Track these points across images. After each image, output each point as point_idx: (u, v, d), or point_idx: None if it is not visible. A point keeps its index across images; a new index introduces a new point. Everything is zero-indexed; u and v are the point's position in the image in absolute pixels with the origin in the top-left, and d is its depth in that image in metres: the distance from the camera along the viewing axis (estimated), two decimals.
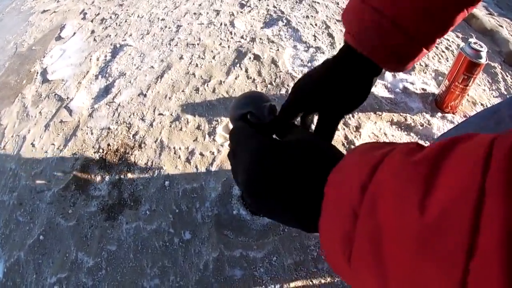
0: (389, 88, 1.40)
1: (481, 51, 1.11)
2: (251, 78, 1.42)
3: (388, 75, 1.43)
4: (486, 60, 1.12)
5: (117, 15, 2.16)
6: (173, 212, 1.11)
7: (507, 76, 1.46)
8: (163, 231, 1.09)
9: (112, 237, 1.11)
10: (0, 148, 1.67)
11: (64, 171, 1.33)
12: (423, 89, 1.37)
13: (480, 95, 1.36)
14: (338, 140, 1.24)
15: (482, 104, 1.35)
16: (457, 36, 1.63)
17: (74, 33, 2.23)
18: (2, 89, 2.18)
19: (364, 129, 1.26)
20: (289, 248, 1.00)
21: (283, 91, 1.36)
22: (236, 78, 1.42)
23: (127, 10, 2.19)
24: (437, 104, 1.32)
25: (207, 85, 1.42)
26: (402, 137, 1.25)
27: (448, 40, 1.62)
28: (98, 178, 1.25)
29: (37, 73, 2.05)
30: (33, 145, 1.54)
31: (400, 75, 1.43)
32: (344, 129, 1.27)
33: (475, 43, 1.12)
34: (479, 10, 1.76)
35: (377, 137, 1.25)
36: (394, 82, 1.42)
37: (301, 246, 1.01)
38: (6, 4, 4.23)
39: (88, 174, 1.26)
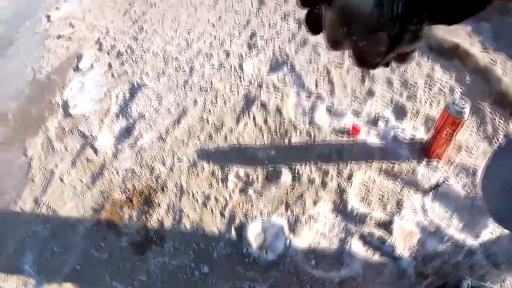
0: (381, 136, 1.59)
1: (464, 108, 1.26)
2: (258, 126, 1.62)
3: (380, 123, 1.62)
4: (469, 115, 1.27)
5: (132, 50, 2.34)
6: (193, 249, 1.32)
7: (495, 117, 1.64)
8: (185, 265, 1.30)
9: (141, 269, 1.32)
10: (28, 179, 1.83)
11: (94, 208, 1.52)
12: (412, 136, 1.56)
13: (467, 138, 1.54)
14: (331, 189, 1.44)
15: (468, 148, 1.50)
16: (451, 77, 1.81)
17: (92, 65, 2.40)
18: (24, 117, 2.34)
19: (355, 177, 1.46)
20: (288, 282, 1.22)
21: (286, 141, 1.56)
22: (245, 126, 1.62)
23: (142, 44, 2.37)
24: (424, 151, 1.50)
25: (220, 132, 1.61)
26: (388, 185, 1.44)
27: (442, 83, 1.81)
28: (126, 216, 1.45)
29: (58, 105, 2.21)
30: (61, 179, 1.72)
31: (392, 122, 1.62)
32: (337, 177, 1.47)
33: (460, 99, 1.28)
34: (474, 46, 1.92)
35: (367, 184, 1.45)
36: (386, 130, 1.61)
37: (297, 280, 1.23)
38: (20, 23, 4.40)
39: (117, 212, 1.46)
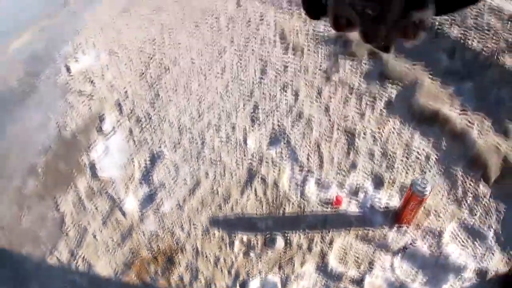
0: (360, 205, 1.98)
1: (425, 188, 1.56)
2: (258, 198, 2.00)
3: (360, 194, 2.01)
4: (430, 192, 1.58)
5: (150, 117, 2.74)
6: None
7: (466, 180, 1.99)
8: None
9: None
10: (62, 232, 2.20)
11: (125, 263, 1.90)
12: (386, 204, 1.93)
13: (437, 203, 1.85)
14: (316, 252, 1.83)
15: (436, 212, 1.81)
16: (428, 144, 2.17)
17: (114, 129, 2.78)
18: (52, 172, 2.68)
19: (336, 243, 1.85)
20: None
21: (281, 211, 1.95)
22: (248, 198, 2.00)
23: (158, 112, 2.77)
24: (396, 218, 1.85)
25: (227, 203, 2.00)
26: (363, 248, 1.83)
27: (419, 151, 2.18)
28: (152, 270, 1.83)
29: (86, 165, 2.56)
30: (94, 236, 2.09)
31: (370, 192, 2.00)
32: (321, 243, 1.86)
33: (422, 180, 1.58)
34: (453, 108, 2.24)
35: (345, 248, 1.84)
36: (365, 200, 1.99)
37: None
38: (39, 68, 4.76)
39: (145, 268, 1.84)
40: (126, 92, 3.15)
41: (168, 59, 3.44)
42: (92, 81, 3.59)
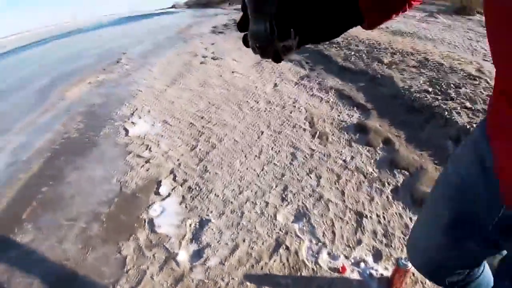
0: (361, 273, 2.54)
1: (407, 264, 2.05)
2: (282, 262, 2.61)
3: (361, 264, 2.62)
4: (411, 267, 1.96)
5: (200, 188, 3.41)
6: None
7: None
8: None
9: None
10: (124, 271, 2.77)
11: None
12: (381, 275, 2.46)
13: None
14: None
15: (422, 281, 2.24)
16: None
17: (169, 194, 3.46)
18: (116, 222, 3.25)
19: None
20: None
21: (299, 274, 2.57)
22: (274, 261, 2.61)
23: (206, 184, 3.44)
24: (389, 285, 2.26)
25: (258, 264, 2.62)
26: None
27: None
28: None
29: (145, 221, 3.16)
30: (152, 278, 2.69)
31: (370, 263, 2.61)
32: None
33: (405, 258, 2.10)
34: None
35: None
36: (365, 269, 2.53)
37: None
38: (97, 124, 5.55)
39: None
40: (179, 164, 3.82)
41: (215, 136, 4.14)
42: (149, 148, 4.25)
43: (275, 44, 0.61)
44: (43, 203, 3.83)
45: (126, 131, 5.13)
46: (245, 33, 0.63)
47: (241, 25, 0.64)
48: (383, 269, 2.37)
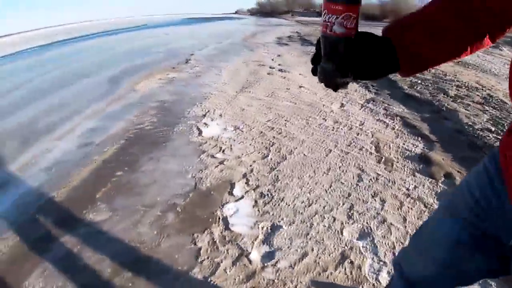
0: None
1: None
2: (346, 274, 2.86)
3: None
4: None
5: (272, 196, 3.68)
6: None
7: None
8: None
9: None
10: (198, 261, 2.97)
11: None
12: None
13: None
14: None
15: None
16: None
17: (243, 196, 3.72)
18: (191, 215, 3.50)
19: None
20: None
21: (360, 286, 2.80)
22: (339, 273, 2.86)
23: (278, 193, 3.70)
24: None
25: (325, 273, 2.84)
26: None
27: None
28: None
29: (219, 218, 3.41)
30: (225, 271, 2.95)
31: None
32: None
33: None
34: None
35: None
36: None
37: None
38: (171, 121, 5.94)
39: None
40: (252, 169, 4.08)
41: (285, 148, 4.40)
42: (222, 150, 4.52)
43: (337, 80, 0.85)
44: (118, 186, 4.15)
45: (200, 131, 5.46)
46: (315, 65, 0.87)
47: (313, 60, 0.87)
48: None
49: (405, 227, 3.17)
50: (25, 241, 3.29)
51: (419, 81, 7.15)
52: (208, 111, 6.28)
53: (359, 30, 0.79)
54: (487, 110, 4.73)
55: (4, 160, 5.34)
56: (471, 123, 4.38)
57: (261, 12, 48.80)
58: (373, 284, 2.64)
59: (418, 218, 3.26)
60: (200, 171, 4.31)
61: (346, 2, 0.73)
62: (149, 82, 8.94)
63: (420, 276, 1.20)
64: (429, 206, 3.39)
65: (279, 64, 8.60)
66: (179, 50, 14.44)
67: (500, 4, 0.75)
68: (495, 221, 0.90)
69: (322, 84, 0.89)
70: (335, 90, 0.90)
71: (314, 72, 0.89)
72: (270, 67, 8.28)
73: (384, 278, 2.67)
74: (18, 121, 7.14)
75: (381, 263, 2.83)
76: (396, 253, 1.65)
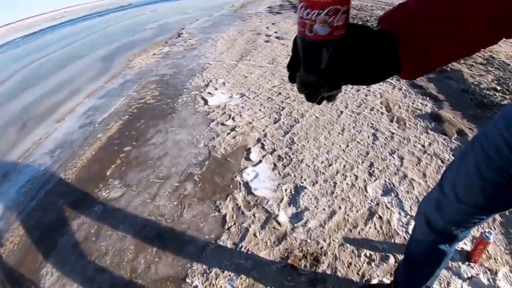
0: None
1: (489, 237, 2.24)
2: (377, 229, 2.85)
3: None
4: (492, 240, 2.24)
5: (290, 158, 3.65)
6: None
7: None
8: None
9: None
10: (225, 229, 2.98)
11: (281, 257, 2.76)
12: (461, 248, 2.61)
13: (496, 252, 2.40)
14: None
15: (495, 259, 2.42)
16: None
17: (260, 160, 3.67)
18: (210, 182, 3.47)
19: None
20: None
21: (391, 240, 2.82)
22: (369, 228, 2.88)
23: (296, 155, 3.66)
24: (467, 257, 2.45)
25: (356, 229, 2.86)
26: (444, 273, 2.55)
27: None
28: (303, 264, 2.69)
29: (240, 183, 3.37)
30: (255, 235, 2.87)
31: None
32: None
33: (488, 232, 2.28)
34: None
35: None
36: None
37: None
38: (173, 93, 5.88)
39: (297, 261, 2.70)
40: (265, 134, 4.04)
41: (296, 112, 4.36)
42: (232, 117, 4.47)
43: (323, 93, 0.65)
44: (128, 161, 4.09)
45: (205, 100, 5.40)
46: (292, 72, 0.68)
47: (290, 65, 0.68)
48: (463, 244, 2.55)
49: (426, 182, 3.17)
50: (37, 229, 3.23)
51: None
52: (210, 80, 6.22)
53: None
54: (491, 71, 4.71)
55: (4, 148, 5.27)
56: (476, 83, 4.36)
57: None
58: (404, 237, 2.64)
59: (437, 173, 3.24)
60: (212, 139, 4.27)
61: None
62: (143, 58, 8.84)
63: (453, 217, 1.28)
64: (446, 161, 3.37)
65: (275, 32, 8.58)
66: (169, 25, 13.56)
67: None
68: None
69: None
70: (320, 103, 0.71)
71: (292, 79, 0.70)
72: (267, 35, 8.28)
73: None
74: (15, 107, 7.02)
75: (408, 217, 2.84)
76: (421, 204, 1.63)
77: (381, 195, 3.02)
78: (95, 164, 3.90)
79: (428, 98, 4.66)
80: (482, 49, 0.67)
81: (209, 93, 5.23)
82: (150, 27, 13.33)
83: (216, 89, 5.32)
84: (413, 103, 4.49)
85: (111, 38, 12.07)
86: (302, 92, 0.68)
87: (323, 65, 0.60)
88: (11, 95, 7.31)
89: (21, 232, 3.17)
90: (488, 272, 2.33)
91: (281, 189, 3.22)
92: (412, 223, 2.72)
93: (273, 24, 11.07)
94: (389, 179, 3.17)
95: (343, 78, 0.65)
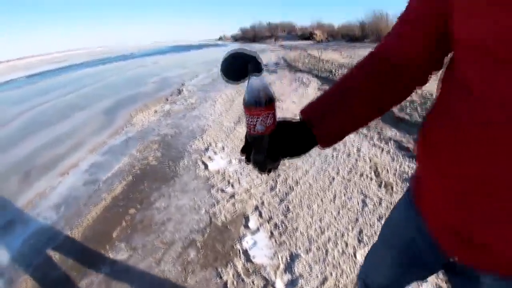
0: None
1: None
2: None
3: None
4: None
5: (285, 226, 3.88)
6: None
7: None
8: None
9: None
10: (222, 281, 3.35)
11: None
12: None
13: None
14: None
15: None
16: None
17: (258, 228, 3.91)
18: (211, 250, 3.63)
19: None
20: None
21: None
22: None
23: (291, 223, 3.87)
24: None
25: None
26: None
27: None
28: None
29: (240, 251, 3.58)
30: None
31: None
32: None
33: None
34: None
35: None
36: None
37: None
38: (175, 155, 6.05)
39: None
40: (263, 202, 4.26)
41: (291, 179, 4.64)
42: (231, 184, 4.71)
43: (268, 166, 0.95)
44: (133, 224, 4.24)
45: (205, 165, 5.63)
46: (247, 155, 1.00)
47: (244, 149, 0.98)
48: None
49: None
50: (44, 285, 3.33)
51: (408, 103, 7.52)
52: (210, 144, 6.46)
53: (278, 118, 0.93)
54: None
55: (6, 195, 5.34)
56: None
57: (244, 38, 49.05)
58: None
59: None
60: (213, 206, 4.44)
61: (263, 105, 0.84)
62: (145, 115, 9.18)
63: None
64: None
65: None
66: (170, 80, 14.02)
67: (416, 52, 0.93)
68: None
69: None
70: (269, 173, 1.02)
71: (247, 159, 1.01)
72: None
73: None
74: (19, 152, 7.17)
75: None
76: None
77: None
78: (100, 224, 3.96)
79: (414, 159, 4.97)
80: (397, 104, 1.03)
81: (209, 157, 5.34)
82: (151, 81, 13.73)
83: (215, 153, 5.47)
84: (400, 167, 4.81)
85: (113, 90, 12.36)
86: (255, 167, 0.98)
87: (265, 149, 0.91)
88: (13, 140, 7.45)
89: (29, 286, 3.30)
90: None
91: (278, 257, 3.44)
92: None
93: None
94: None
95: (280, 154, 0.94)
